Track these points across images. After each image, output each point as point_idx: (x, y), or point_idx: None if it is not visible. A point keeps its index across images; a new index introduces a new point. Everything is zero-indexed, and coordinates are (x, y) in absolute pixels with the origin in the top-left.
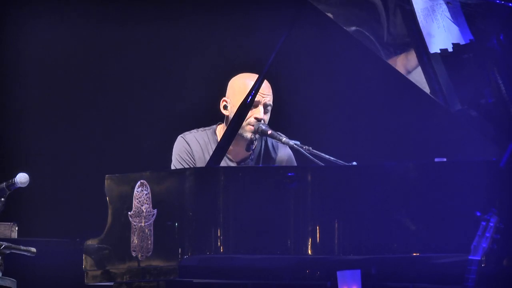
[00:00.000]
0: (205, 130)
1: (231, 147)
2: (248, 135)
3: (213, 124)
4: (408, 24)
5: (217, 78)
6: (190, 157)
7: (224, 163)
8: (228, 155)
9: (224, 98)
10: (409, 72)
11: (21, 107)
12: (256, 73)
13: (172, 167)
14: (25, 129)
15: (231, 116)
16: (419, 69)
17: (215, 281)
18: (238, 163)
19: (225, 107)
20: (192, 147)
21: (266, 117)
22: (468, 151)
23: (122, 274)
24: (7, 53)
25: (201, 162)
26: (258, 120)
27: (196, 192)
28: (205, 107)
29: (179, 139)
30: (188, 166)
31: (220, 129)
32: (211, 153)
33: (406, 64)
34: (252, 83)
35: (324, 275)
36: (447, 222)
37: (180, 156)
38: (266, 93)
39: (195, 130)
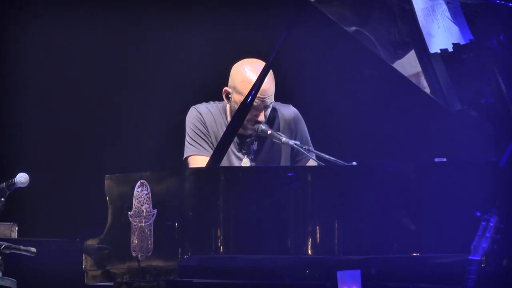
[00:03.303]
0: (215, 102)
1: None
2: (249, 132)
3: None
4: (408, 24)
5: (218, 79)
6: (204, 127)
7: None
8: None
9: (226, 88)
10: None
11: (21, 107)
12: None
13: (187, 137)
14: (25, 130)
15: (232, 105)
16: None
17: (215, 281)
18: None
19: (228, 97)
20: (205, 117)
21: (267, 112)
22: (468, 151)
23: (122, 274)
24: (7, 54)
25: (213, 132)
26: (258, 122)
27: (196, 192)
28: None
29: (192, 109)
30: (203, 137)
31: (228, 108)
32: (222, 125)
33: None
34: (254, 75)
35: (324, 275)
36: (447, 222)
37: (195, 125)
38: (264, 95)
39: (205, 102)
